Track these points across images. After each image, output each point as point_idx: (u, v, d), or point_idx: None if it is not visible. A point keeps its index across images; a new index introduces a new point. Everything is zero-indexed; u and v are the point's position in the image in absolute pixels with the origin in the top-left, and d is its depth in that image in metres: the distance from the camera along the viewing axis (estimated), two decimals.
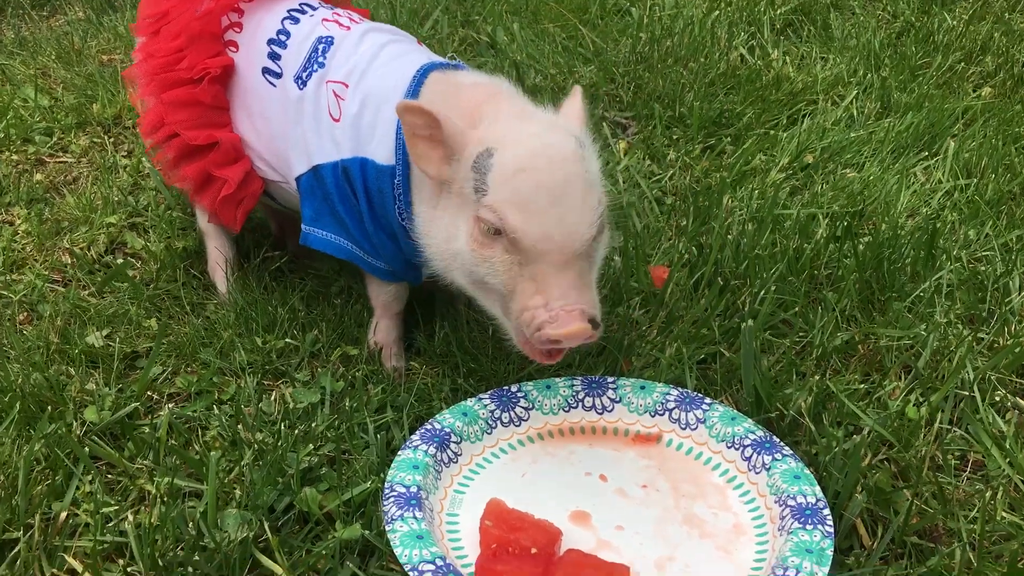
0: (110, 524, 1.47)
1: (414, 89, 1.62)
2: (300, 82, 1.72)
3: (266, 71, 1.77)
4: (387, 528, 1.37)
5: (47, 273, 2.12)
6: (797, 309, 1.90)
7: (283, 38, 1.78)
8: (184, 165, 1.81)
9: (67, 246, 2.21)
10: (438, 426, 1.60)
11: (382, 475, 1.51)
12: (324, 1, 1.92)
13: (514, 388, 1.70)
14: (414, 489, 1.46)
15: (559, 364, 1.75)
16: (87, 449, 1.59)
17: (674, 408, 1.66)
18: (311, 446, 1.58)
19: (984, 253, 2.13)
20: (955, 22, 3.33)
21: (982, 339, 1.83)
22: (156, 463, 1.58)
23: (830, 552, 1.34)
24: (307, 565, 1.39)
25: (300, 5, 1.85)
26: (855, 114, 2.81)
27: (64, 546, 1.44)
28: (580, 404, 1.70)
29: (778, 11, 3.43)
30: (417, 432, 1.58)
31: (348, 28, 1.77)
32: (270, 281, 2.03)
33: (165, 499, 1.49)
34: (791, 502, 1.44)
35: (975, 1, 3.54)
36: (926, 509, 1.48)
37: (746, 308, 1.89)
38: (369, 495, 1.49)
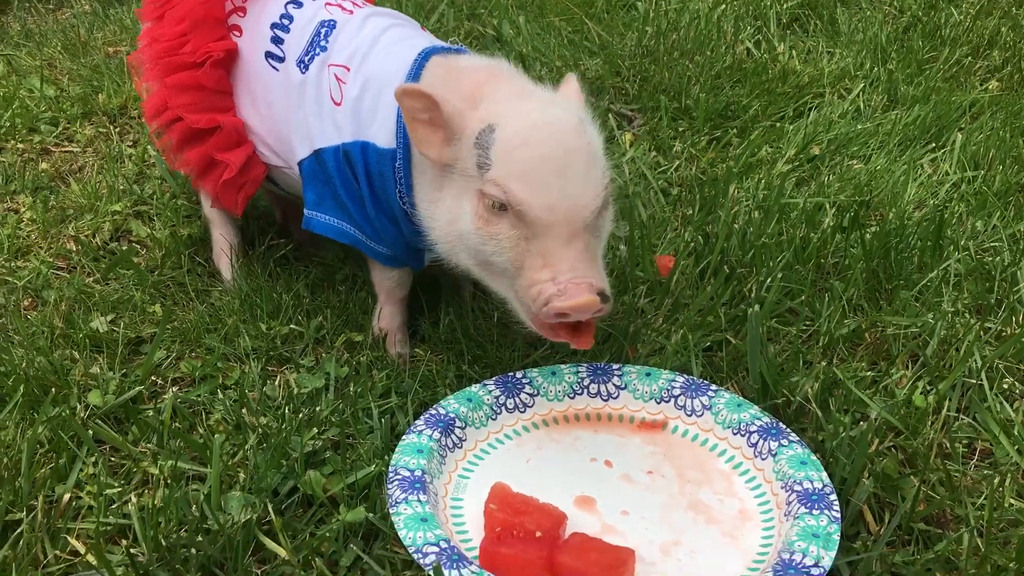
0: (113, 506, 1.47)
1: (415, 72, 1.61)
2: (302, 66, 1.72)
3: (269, 55, 1.77)
4: (391, 511, 1.37)
5: (52, 260, 2.12)
6: (804, 298, 1.89)
7: (286, 22, 1.77)
8: (187, 150, 1.81)
9: (72, 233, 2.21)
10: (442, 411, 1.59)
11: (386, 459, 1.50)
12: None
13: (519, 374, 1.69)
14: (418, 473, 1.45)
15: (565, 351, 1.75)
16: (91, 432, 1.59)
17: (680, 395, 1.65)
18: (315, 430, 1.57)
19: (992, 244, 2.11)
20: (962, 17, 3.32)
21: (990, 328, 1.82)
22: (160, 446, 1.58)
23: (837, 537, 1.33)
24: (311, 548, 1.38)
25: None
26: (862, 107, 2.79)
27: (67, 528, 1.44)
28: (585, 391, 1.69)
29: (784, 5, 3.42)
30: (421, 417, 1.58)
31: (351, 12, 1.77)
32: (275, 268, 2.03)
33: (168, 482, 1.49)
34: (797, 487, 1.43)
35: None
36: (933, 496, 1.47)
37: (752, 296, 1.88)
38: (373, 479, 1.49)
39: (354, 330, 1.85)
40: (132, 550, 1.36)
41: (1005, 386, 1.68)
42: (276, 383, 1.73)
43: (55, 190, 2.41)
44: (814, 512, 1.37)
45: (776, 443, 1.52)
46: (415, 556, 1.29)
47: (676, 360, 1.74)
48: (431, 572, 1.25)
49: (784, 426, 1.55)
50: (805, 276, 1.94)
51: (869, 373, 1.72)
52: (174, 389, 1.72)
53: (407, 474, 1.44)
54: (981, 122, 2.66)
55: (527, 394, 1.67)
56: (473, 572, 1.27)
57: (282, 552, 1.38)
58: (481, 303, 1.89)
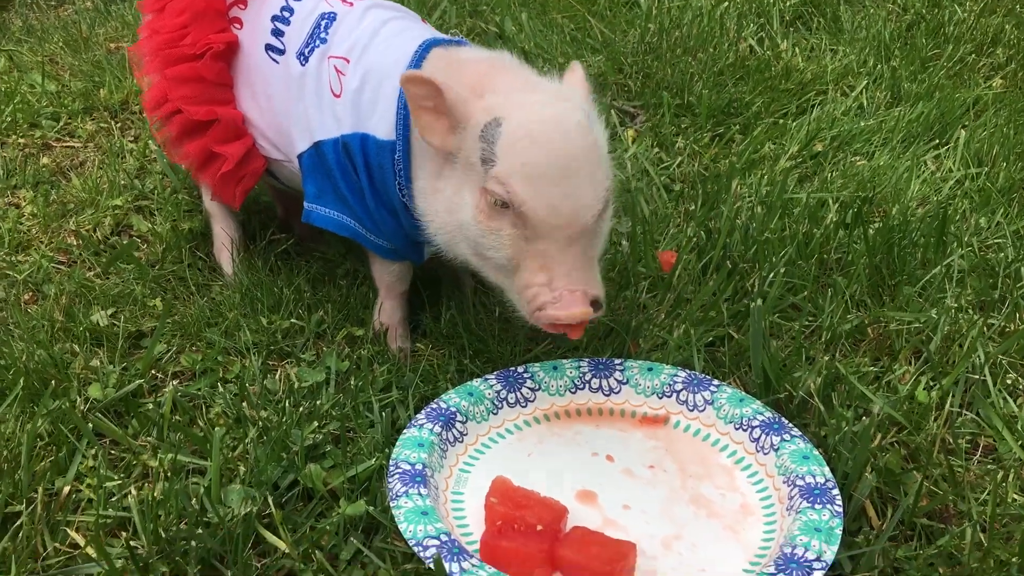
0: (113, 499, 1.46)
1: (415, 64, 1.61)
2: (302, 58, 1.71)
3: (269, 48, 1.76)
4: (392, 504, 1.36)
5: (52, 254, 2.11)
6: (806, 293, 1.88)
7: (286, 14, 1.77)
8: (186, 142, 1.81)
9: (73, 228, 2.20)
10: (443, 406, 1.59)
11: (387, 452, 1.50)
12: None
13: (520, 369, 1.68)
14: (419, 467, 1.45)
15: (565, 346, 1.75)
16: (91, 425, 1.58)
17: (682, 390, 1.65)
18: (315, 424, 1.57)
19: (996, 240, 2.11)
20: (965, 14, 3.31)
21: (993, 325, 1.81)
22: (160, 439, 1.57)
23: (839, 531, 1.32)
24: (311, 541, 1.38)
25: None
26: (865, 104, 2.79)
27: (67, 520, 1.43)
28: (587, 385, 1.68)
29: (787, 3, 3.41)
30: (422, 411, 1.57)
31: (351, 4, 1.76)
32: (276, 262, 2.02)
33: (168, 475, 1.48)
34: (800, 482, 1.43)
35: None
36: (935, 491, 1.46)
37: (755, 291, 1.88)
38: (374, 472, 1.48)
39: (355, 325, 1.85)
40: (132, 543, 1.36)
41: (1008, 381, 1.68)
42: (277, 377, 1.72)
43: (56, 185, 2.40)
44: (816, 506, 1.37)
45: (778, 438, 1.51)
46: (415, 549, 1.28)
47: (678, 355, 1.73)
48: (431, 565, 1.25)
49: (786, 421, 1.54)
50: (808, 272, 1.93)
51: (872, 369, 1.72)
52: (174, 383, 1.71)
53: (408, 468, 1.44)
54: (985, 119, 2.65)
55: (528, 389, 1.66)
56: (474, 565, 1.27)
57: (282, 545, 1.38)
58: (482, 298, 1.88)
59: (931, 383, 1.68)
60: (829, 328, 1.80)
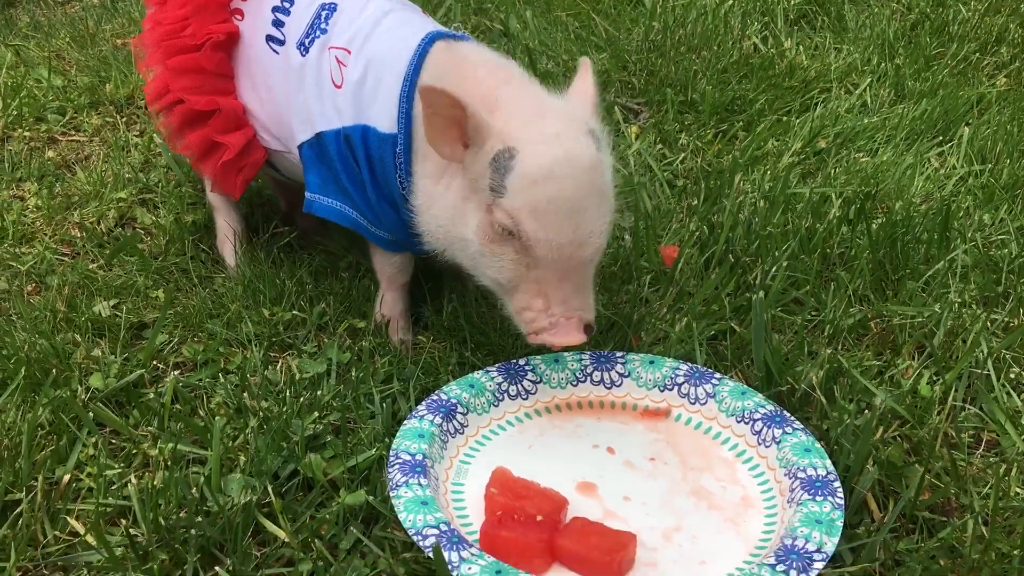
0: (113, 488, 1.46)
1: (418, 57, 1.60)
2: (302, 48, 1.71)
3: (270, 38, 1.76)
4: (391, 494, 1.36)
5: (56, 246, 2.12)
6: (808, 288, 1.88)
7: (287, 5, 1.77)
8: (188, 132, 1.81)
9: (77, 220, 2.21)
10: (444, 397, 1.59)
11: (387, 443, 1.50)
12: None
13: (522, 361, 1.68)
14: (419, 457, 1.44)
15: None
16: (91, 414, 1.58)
17: (683, 383, 1.64)
18: (316, 414, 1.57)
19: (999, 237, 2.10)
20: (970, 14, 3.30)
21: (996, 320, 1.81)
22: (161, 429, 1.57)
23: (840, 523, 1.32)
24: (310, 530, 1.37)
25: None
26: (869, 101, 2.78)
27: (67, 509, 1.43)
28: (588, 378, 1.68)
29: (792, 2, 3.41)
30: (423, 402, 1.57)
31: None
32: (278, 255, 2.02)
33: (169, 464, 1.48)
34: (801, 474, 1.42)
35: None
36: (937, 484, 1.46)
37: (757, 285, 1.87)
38: (374, 462, 1.48)
39: (357, 317, 1.85)
40: (131, 531, 1.36)
41: (1012, 376, 1.67)
42: (278, 368, 1.72)
43: (61, 178, 2.41)
44: (817, 499, 1.36)
45: (780, 431, 1.51)
46: (415, 538, 1.28)
47: (680, 348, 1.73)
48: (431, 554, 1.24)
49: (788, 414, 1.54)
50: (810, 266, 1.93)
51: (875, 363, 1.71)
52: (175, 373, 1.71)
53: (408, 458, 1.44)
54: (989, 116, 2.64)
55: (530, 381, 1.66)
56: (473, 555, 1.26)
57: (282, 534, 1.38)
58: (484, 291, 1.88)
59: (934, 378, 1.67)
60: (831, 322, 1.79)
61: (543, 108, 1.51)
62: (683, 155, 2.49)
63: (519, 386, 1.65)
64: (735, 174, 2.28)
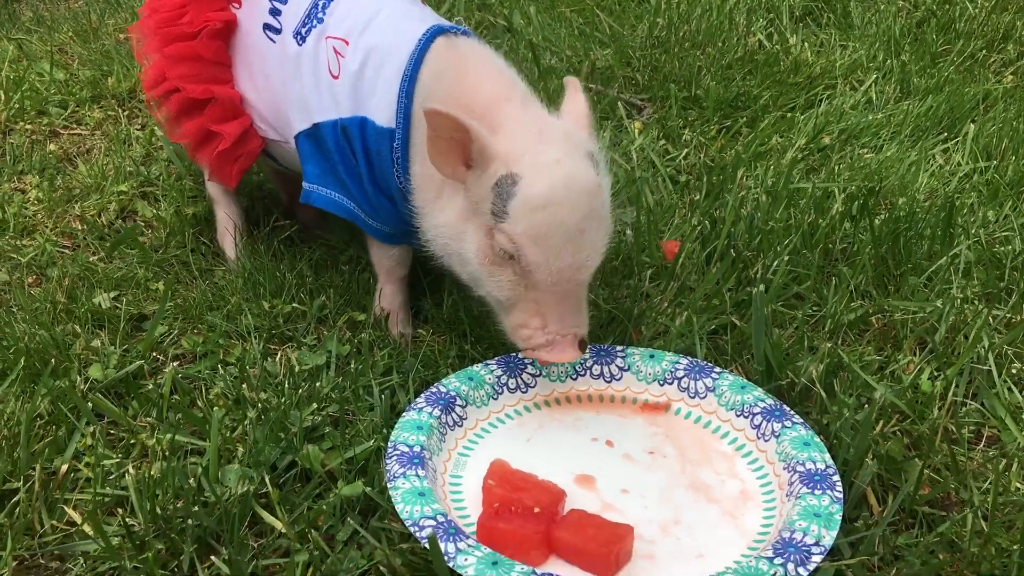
0: (111, 478, 1.46)
1: (419, 52, 1.60)
2: (299, 38, 1.71)
3: (267, 27, 1.76)
4: (389, 485, 1.36)
5: (57, 239, 2.12)
6: (810, 283, 1.87)
7: None
8: (184, 120, 1.81)
9: (78, 213, 2.21)
10: (443, 389, 1.58)
11: (385, 433, 1.49)
12: None
13: (522, 355, 1.67)
14: (417, 449, 1.44)
15: None
16: (90, 405, 1.58)
17: (683, 377, 1.64)
18: (315, 406, 1.56)
19: (1003, 233, 2.09)
20: (977, 11, 3.29)
21: (999, 316, 1.80)
22: (159, 420, 1.57)
23: (839, 516, 1.31)
24: (307, 521, 1.37)
25: None
26: (874, 98, 2.77)
27: (64, 499, 1.43)
28: (588, 372, 1.68)
29: None
30: (422, 395, 1.56)
31: None
32: (279, 248, 2.02)
33: (167, 454, 1.48)
34: (800, 468, 1.41)
35: None
36: (937, 479, 1.45)
37: (758, 279, 1.87)
38: (372, 454, 1.48)
39: (357, 310, 1.84)
40: (128, 520, 1.36)
41: (1014, 371, 1.66)
42: (277, 360, 1.72)
43: (62, 171, 2.41)
44: (816, 492, 1.36)
45: (779, 424, 1.50)
46: (412, 529, 1.28)
47: (680, 343, 1.72)
48: (427, 544, 1.24)
49: (788, 408, 1.53)
50: (812, 262, 1.92)
51: (876, 358, 1.70)
52: (175, 364, 1.71)
53: (406, 450, 1.43)
54: (994, 113, 2.63)
55: (529, 374, 1.66)
56: (470, 546, 1.26)
57: (278, 525, 1.38)
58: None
59: (935, 373, 1.66)
60: (832, 317, 1.78)
61: (545, 131, 1.51)
62: (686, 151, 2.48)
63: (518, 379, 1.65)
64: (738, 169, 2.27)
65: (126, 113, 2.72)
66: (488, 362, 1.66)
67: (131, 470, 1.46)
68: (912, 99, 2.75)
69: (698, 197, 2.19)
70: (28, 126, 2.61)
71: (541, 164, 1.44)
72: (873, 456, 1.45)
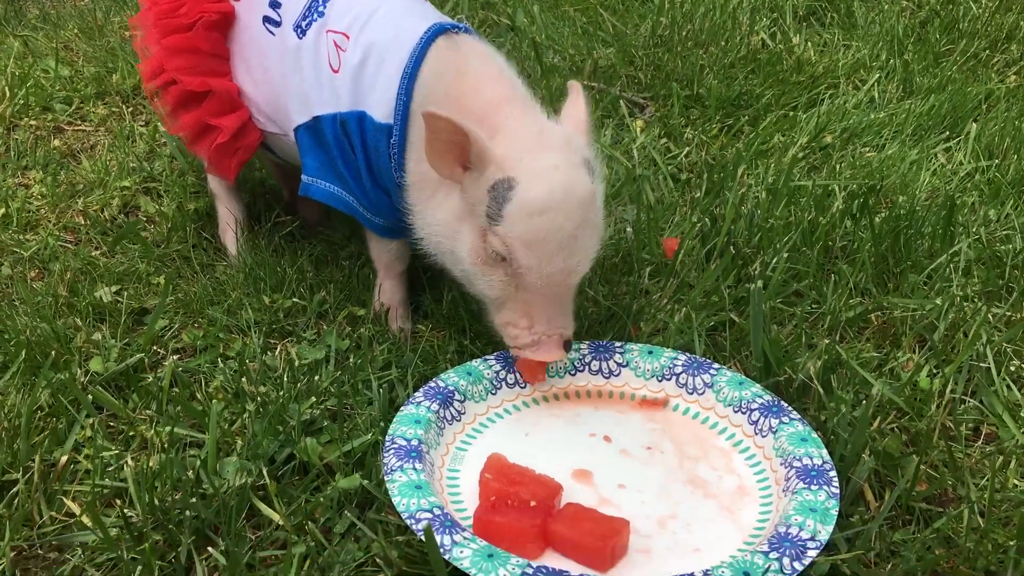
0: (110, 469, 1.47)
1: (420, 50, 1.60)
2: (299, 31, 1.71)
3: (267, 20, 1.76)
4: (386, 478, 1.36)
5: (60, 233, 2.13)
6: (809, 280, 1.87)
7: None
8: (182, 113, 1.82)
9: (81, 208, 2.22)
10: (442, 384, 1.59)
11: (382, 426, 1.50)
12: None
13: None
14: (415, 443, 1.44)
15: None
16: (90, 397, 1.59)
17: (681, 373, 1.64)
18: (313, 399, 1.57)
19: (1004, 232, 2.09)
20: (980, 11, 3.29)
21: (998, 314, 1.80)
22: (159, 412, 1.58)
23: (835, 512, 1.31)
24: (305, 513, 1.38)
25: None
26: (876, 97, 2.77)
27: (64, 490, 1.44)
28: (587, 368, 1.68)
29: None
30: (420, 389, 1.57)
31: None
32: (280, 243, 2.03)
33: (165, 447, 1.49)
34: (797, 463, 1.41)
35: None
36: (934, 475, 1.45)
37: (757, 275, 1.87)
38: (369, 447, 1.48)
39: (356, 305, 1.85)
40: (126, 512, 1.36)
41: (1012, 369, 1.66)
42: (276, 354, 1.72)
43: (66, 166, 2.42)
44: (813, 487, 1.36)
45: (777, 420, 1.50)
46: (408, 522, 1.28)
47: (679, 339, 1.72)
48: (423, 537, 1.24)
49: (785, 404, 1.53)
50: (812, 259, 1.92)
51: (874, 355, 1.70)
52: (175, 358, 1.72)
53: (403, 443, 1.44)
54: (996, 112, 2.63)
55: None
56: (465, 538, 1.26)
57: (276, 517, 1.38)
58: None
59: (934, 371, 1.66)
60: (832, 313, 1.78)
61: (543, 136, 1.51)
62: (688, 149, 2.48)
63: (517, 375, 1.65)
64: (738, 167, 2.27)
65: (130, 109, 2.73)
66: (487, 357, 1.67)
67: (130, 462, 1.47)
68: (915, 98, 2.75)
69: (698, 195, 2.20)
70: (33, 122, 2.62)
71: (538, 170, 1.46)
72: (870, 452, 1.45)
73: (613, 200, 2.20)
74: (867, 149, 2.50)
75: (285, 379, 1.62)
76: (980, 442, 1.56)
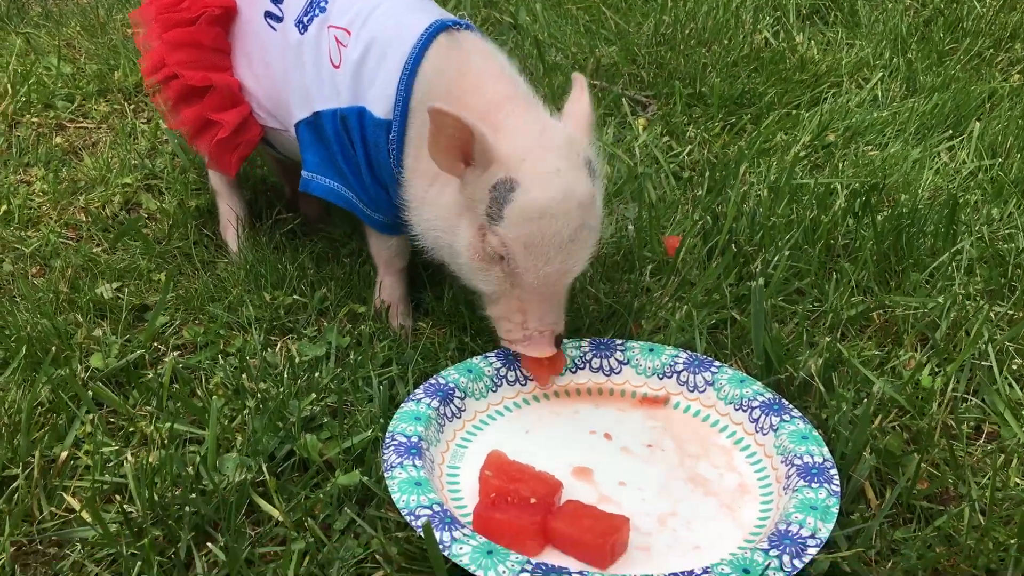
0: (110, 465, 1.47)
1: (421, 47, 1.59)
2: (301, 26, 1.71)
3: (268, 15, 1.76)
4: (386, 474, 1.36)
5: (61, 230, 2.13)
6: (811, 279, 1.87)
7: None
8: (183, 108, 1.82)
9: (82, 205, 2.22)
10: (442, 381, 1.58)
11: (382, 423, 1.50)
12: None
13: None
14: (415, 439, 1.44)
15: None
16: (91, 393, 1.59)
17: (682, 370, 1.63)
18: (313, 396, 1.57)
19: (1007, 231, 2.08)
20: (984, 10, 3.28)
21: (1001, 312, 1.79)
22: (159, 409, 1.57)
23: (835, 510, 1.30)
24: (304, 509, 1.37)
25: None
26: (880, 95, 2.77)
27: (63, 485, 1.44)
28: (587, 365, 1.68)
29: None
30: (421, 386, 1.57)
31: None
32: (281, 240, 2.03)
33: (165, 443, 1.48)
34: (797, 461, 1.41)
35: None
36: (935, 473, 1.44)
37: (758, 273, 1.86)
38: (369, 444, 1.48)
39: (357, 302, 1.85)
40: (126, 507, 1.36)
41: (1015, 367, 1.65)
42: (277, 350, 1.72)
43: (67, 163, 2.42)
44: (813, 485, 1.35)
45: (778, 418, 1.50)
46: (408, 518, 1.28)
47: (680, 337, 1.72)
48: (422, 532, 1.24)
49: (786, 402, 1.53)
50: (813, 257, 1.91)
51: (876, 353, 1.70)
52: (175, 354, 1.72)
53: (403, 440, 1.43)
54: (1000, 111, 2.62)
55: None
56: (465, 535, 1.26)
57: (276, 513, 1.38)
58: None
59: (936, 369, 1.66)
60: (833, 311, 1.78)
61: (545, 135, 1.51)
62: (690, 147, 2.48)
63: (518, 372, 1.65)
64: (740, 164, 2.27)
65: (132, 107, 2.73)
66: (487, 355, 1.66)
67: (130, 458, 1.47)
68: (918, 97, 2.74)
69: (700, 193, 2.19)
70: (35, 119, 2.63)
71: (540, 173, 1.46)
72: (871, 450, 1.45)
73: (615, 198, 2.20)
74: (870, 148, 2.49)
75: (285, 376, 1.62)
76: (982, 441, 1.55)
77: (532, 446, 1.52)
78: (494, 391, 1.62)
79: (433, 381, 1.58)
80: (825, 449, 1.42)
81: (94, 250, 2.04)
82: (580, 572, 1.22)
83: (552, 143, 1.50)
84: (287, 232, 2.07)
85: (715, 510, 1.40)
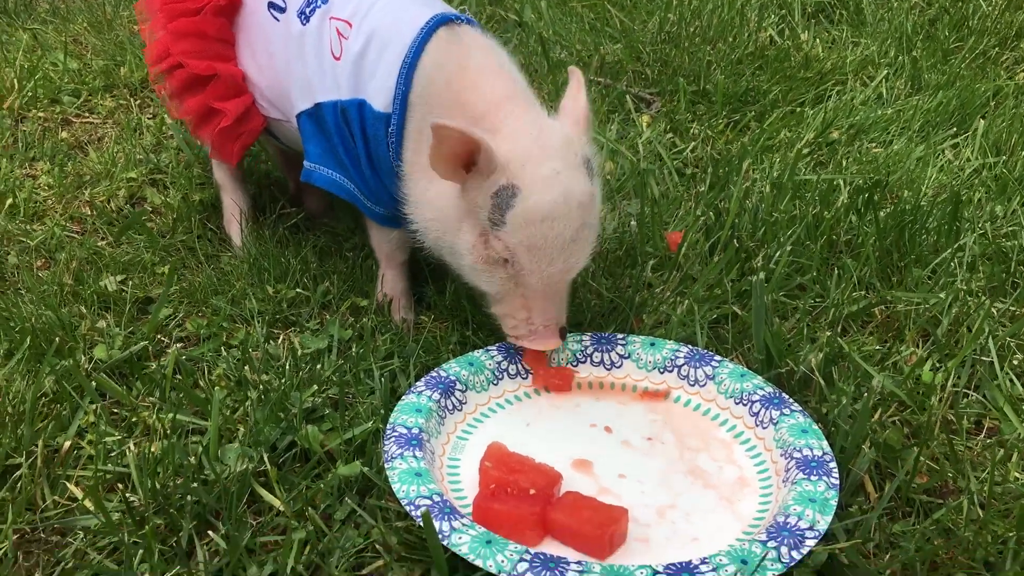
0: (112, 455, 1.48)
1: (421, 41, 1.60)
2: (303, 17, 1.72)
3: (271, 6, 1.77)
4: (386, 465, 1.37)
5: (66, 223, 2.14)
6: (813, 274, 1.87)
7: None
8: (187, 97, 1.83)
9: (87, 199, 2.23)
10: (443, 374, 1.59)
11: (383, 414, 1.50)
12: None
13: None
14: (415, 431, 1.45)
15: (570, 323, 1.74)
16: (94, 384, 1.60)
17: (683, 364, 1.64)
18: (315, 387, 1.57)
19: (1011, 228, 2.08)
20: (990, 9, 3.27)
21: (1002, 309, 1.79)
22: (162, 400, 1.58)
23: (834, 502, 1.31)
24: (305, 499, 1.38)
25: None
26: (884, 93, 2.76)
27: (67, 475, 1.45)
28: (588, 359, 1.68)
29: None
30: (422, 379, 1.57)
31: None
32: (284, 234, 2.03)
33: (168, 433, 1.49)
34: (797, 454, 1.41)
35: None
36: (934, 467, 1.44)
37: (759, 268, 1.86)
38: (370, 435, 1.48)
39: (360, 296, 1.85)
40: (128, 496, 1.37)
41: (1015, 363, 1.65)
42: (279, 343, 1.73)
43: (73, 157, 2.43)
44: (812, 478, 1.36)
45: (778, 412, 1.50)
46: (408, 508, 1.29)
47: (682, 331, 1.72)
48: (421, 522, 1.25)
49: (787, 396, 1.53)
50: (815, 252, 1.91)
51: (877, 348, 1.70)
52: (178, 346, 1.73)
53: (404, 431, 1.44)
54: (1004, 109, 2.62)
55: None
56: (464, 525, 1.26)
57: (277, 503, 1.39)
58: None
59: (937, 364, 1.66)
60: (835, 307, 1.78)
61: (544, 136, 1.52)
62: (694, 144, 2.48)
63: (519, 365, 1.66)
64: (743, 160, 2.27)
65: (137, 102, 2.74)
66: (489, 348, 1.67)
67: (132, 448, 1.47)
68: (922, 95, 2.74)
69: (703, 189, 2.19)
70: (41, 114, 2.64)
71: (540, 178, 1.47)
72: (871, 444, 1.45)
73: (618, 194, 2.20)
74: (874, 145, 2.49)
75: (287, 368, 1.62)
76: (982, 436, 1.55)
77: (533, 439, 1.52)
78: (495, 384, 1.63)
79: (435, 374, 1.59)
80: (825, 443, 1.42)
81: (99, 243, 2.05)
82: (578, 562, 1.22)
83: (550, 144, 1.51)
84: (290, 226, 2.08)
85: (714, 503, 1.40)
